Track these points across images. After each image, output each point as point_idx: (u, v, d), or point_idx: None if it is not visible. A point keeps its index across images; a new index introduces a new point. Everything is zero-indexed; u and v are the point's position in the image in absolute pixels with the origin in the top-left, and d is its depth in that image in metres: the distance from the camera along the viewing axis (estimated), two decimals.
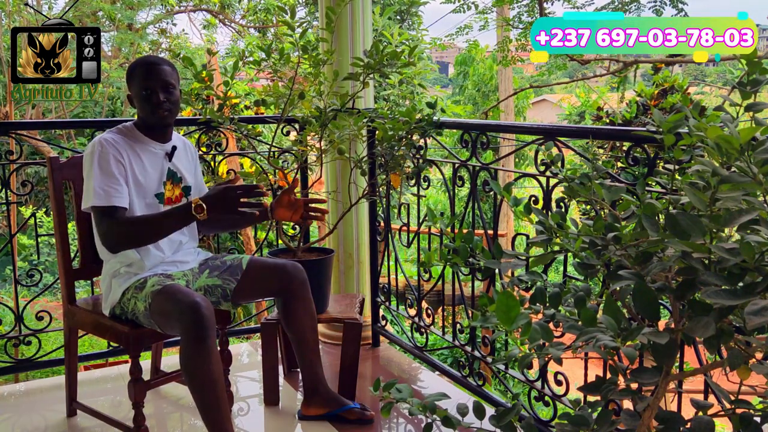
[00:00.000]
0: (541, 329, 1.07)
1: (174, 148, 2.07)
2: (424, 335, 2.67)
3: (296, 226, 2.79)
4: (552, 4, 6.99)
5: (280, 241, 2.76)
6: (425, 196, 2.86)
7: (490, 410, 1.29)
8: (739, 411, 1.09)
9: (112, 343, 2.63)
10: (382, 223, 2.89)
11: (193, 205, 1.81)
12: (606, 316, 1.05)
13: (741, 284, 0.96)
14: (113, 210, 1.87)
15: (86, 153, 1.93)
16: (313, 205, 2.24)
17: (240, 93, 7.79)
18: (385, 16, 8.44)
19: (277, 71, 2.46)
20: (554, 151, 1.92)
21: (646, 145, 1.72)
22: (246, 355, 2.97)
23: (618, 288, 1.11)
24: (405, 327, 3.29)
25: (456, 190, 2.41)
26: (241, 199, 1.82)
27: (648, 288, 1.03)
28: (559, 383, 2.00)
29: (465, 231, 1.40)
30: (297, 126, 2.75)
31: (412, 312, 2.74)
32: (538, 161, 1.99)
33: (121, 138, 1.97)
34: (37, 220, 4.03)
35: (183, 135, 2.43)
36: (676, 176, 1.24)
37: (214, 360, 1.78)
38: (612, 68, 6.39)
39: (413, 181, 2.60)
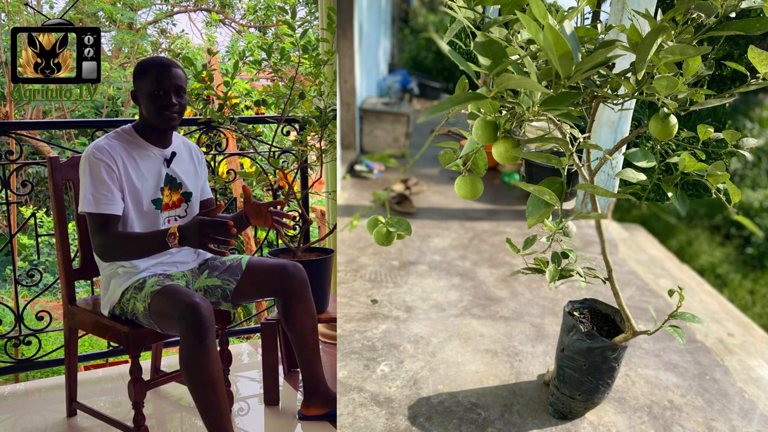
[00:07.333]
0: None
1: (173, 153, 2.06)
2: None
3: (296, 227, 2.79)
4: None
5: (280, 241, 2.76)
6: None
7: None
8: None
9: (112, 343, 2.63)
10: None
11: (168, 232, 1.81)
12: None
13: None
14: (103, 218, 1.88)
15: (81, 158, 1.94)
16: (275, 214, 2.09)
17: (240, 92, 7.77)
18: None
19: (278, 71, 2.46)
20: None
21: None
22: (246, 355, 2.97)
23: None
24: None
25: None
26: (212, 235, 1.77)
27: None
28: None
29: None
30: (297, 126, 2.75)
31: None
32: None
33: (117, 143, 1.96)
34: (37, 220, 4.03)
35: (183, 135, 2.43)
36: None
37: (213, 360, 1.78)
38: None
39: None
